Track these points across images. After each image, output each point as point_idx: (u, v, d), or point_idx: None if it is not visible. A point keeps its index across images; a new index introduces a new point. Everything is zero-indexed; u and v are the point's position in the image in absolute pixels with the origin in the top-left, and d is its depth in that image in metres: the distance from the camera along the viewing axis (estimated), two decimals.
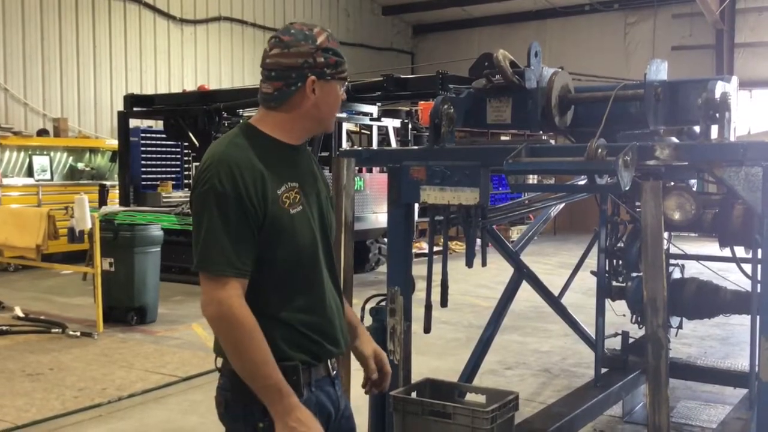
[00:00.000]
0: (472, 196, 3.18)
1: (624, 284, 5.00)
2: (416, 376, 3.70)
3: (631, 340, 5.25)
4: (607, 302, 5.14)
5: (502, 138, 15.50)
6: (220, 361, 2.22)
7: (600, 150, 2.77)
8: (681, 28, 18.35)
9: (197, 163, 10.37)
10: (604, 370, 5.13)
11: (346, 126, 11.26)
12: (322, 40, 2.16)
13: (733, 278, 4.95)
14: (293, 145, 2.23)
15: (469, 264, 3.34)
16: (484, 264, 3.40)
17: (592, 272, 5.11)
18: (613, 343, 5.35)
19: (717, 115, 2.83)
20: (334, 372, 2.30)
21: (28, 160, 12.21)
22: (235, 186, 2.05)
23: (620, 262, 5.00)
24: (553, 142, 9.05)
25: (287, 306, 2.15)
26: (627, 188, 2.76)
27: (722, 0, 16.61)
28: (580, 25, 19.78)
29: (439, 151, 3.35)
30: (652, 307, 2.70)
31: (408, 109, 12.49)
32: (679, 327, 5.20)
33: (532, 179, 10.53)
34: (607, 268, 5.02)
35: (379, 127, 11.85)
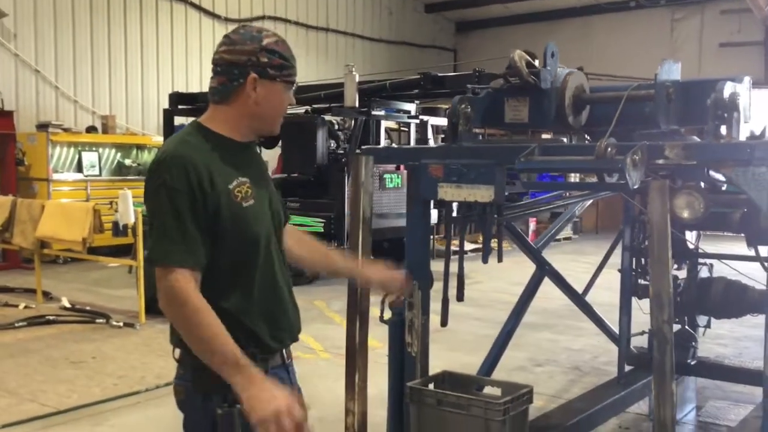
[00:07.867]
0: (487, 193, 3.25)
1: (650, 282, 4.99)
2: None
3: None
4: (635, 300, 5.15)
5: (543, 137, 15.39)
6: (177, 352, 2.29)
7: (609, 149, 2.83)
8: (729, 24, 17.99)
9: None
10: (629, 368, 5.14)
11: (384, 123, 11.35)
12: (268, 42, 2.22)
13: None
14: (241, 142, 2.29)
15: (485, 260, 3.43)
16: (500, 260, 3.48)
17: (619, 270, 5.12)
18: (642, 341, 5.35)
19: (726, 115, 2.86)
20: (289, 360, 2.40)
21: (77, 156, 12.57)
22: (187, 182, 2.10)
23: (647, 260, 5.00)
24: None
25: (241, 299, 2.21)
26: (635, 187, 2.81)
27: None
28: (625, 21, 19.50)
29: (456, 149, 3.44)
30: (657, 303, 2.75)
31: (447, 107, 12.52)
32: (707, 326, 5.18)
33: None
34: (633, 266, 5.03)
35: (417, 125, 11.92)
